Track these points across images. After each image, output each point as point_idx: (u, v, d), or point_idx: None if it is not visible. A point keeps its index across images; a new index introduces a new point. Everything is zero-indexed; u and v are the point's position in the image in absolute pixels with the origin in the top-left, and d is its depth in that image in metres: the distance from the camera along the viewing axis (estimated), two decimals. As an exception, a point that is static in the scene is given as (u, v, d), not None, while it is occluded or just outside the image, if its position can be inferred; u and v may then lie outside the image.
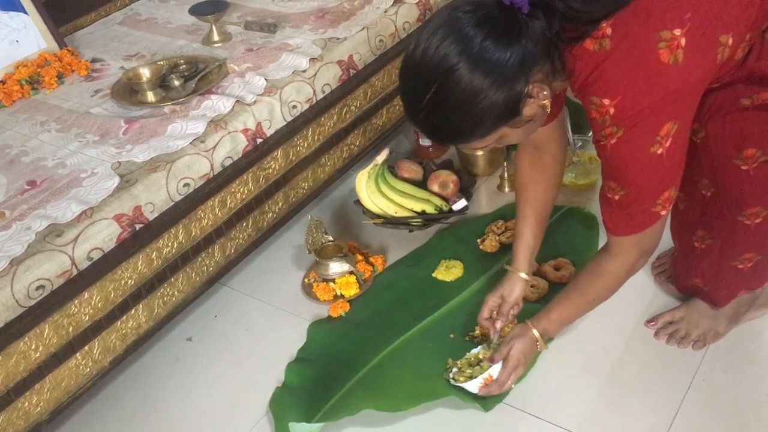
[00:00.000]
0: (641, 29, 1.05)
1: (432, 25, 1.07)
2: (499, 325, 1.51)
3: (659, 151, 1.12)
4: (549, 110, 1.13)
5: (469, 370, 1.45)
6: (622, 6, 1.05)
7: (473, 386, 1.41)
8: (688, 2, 1.05)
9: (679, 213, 1.44)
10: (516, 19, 1.03)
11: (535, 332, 1.40)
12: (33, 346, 1.26)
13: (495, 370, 1.40)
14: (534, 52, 1.04)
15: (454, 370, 1.47)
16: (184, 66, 1.78)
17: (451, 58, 1.03)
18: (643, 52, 1.05)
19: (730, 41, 1.07)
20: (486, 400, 1.43)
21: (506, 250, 1.77)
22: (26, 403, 1.28)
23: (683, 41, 1.04)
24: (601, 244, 1.75)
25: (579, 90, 1.13)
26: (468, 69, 1.02)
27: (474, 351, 1.50)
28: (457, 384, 1.43)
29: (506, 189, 2.03)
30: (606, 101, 1.08)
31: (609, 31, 1.06)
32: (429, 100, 1.06)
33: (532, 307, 1.62)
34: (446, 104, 1.06)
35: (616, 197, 1.20)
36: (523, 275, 1.51)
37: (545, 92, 1.09)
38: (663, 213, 1.20)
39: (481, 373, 1.41)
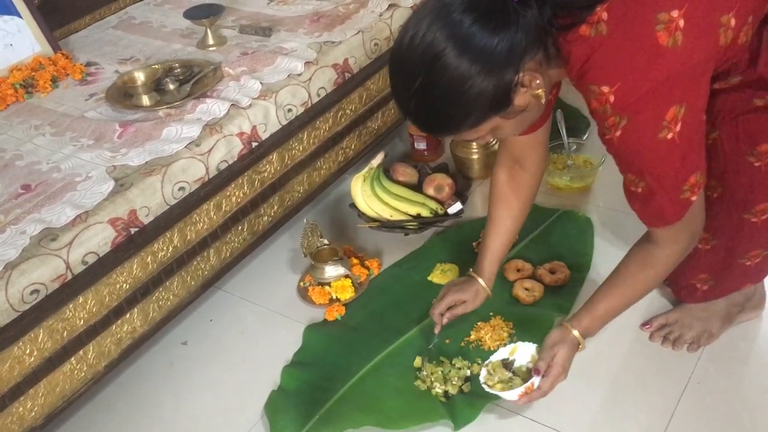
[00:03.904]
0: (638, 12, 1.02)
1: (421, 11, 1.05)
2: (445, 321, 1.52)
3: (669, 136, 1.07)
4: (544, 100, 1.09)
5: (499, 375, 1.38)
6: None
7: (513, 395, 1.33)
8: None
9: None
10: (505, 6, 1.00)
11: (576, 333, 1.34)
12: (27, 351, 1.26)
13: (537, 379, 1.33)
14: (524, 39, 1.01)
15: (483, 372, 1.40)
16: (179, 70, 1.78)
17: (438, 44, 1.00)
18: (641, 35, 1.02)
19: (733, 22, 1.04)
20: (458, 420, 1.40)
21: (501, 253, 1.78)
22: (20, 408, 1.27)
23: (681, 23, 1.00)
24: (597, 247, 1.77)
25: (576, 79, 1.10)
26: (455, 54, 1.00)
27: (496, 357, 1.42)
28: (492, 391, 1.36)
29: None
30: (605, 88, 1.05)
31: (605, 15, 1.03)
32: (417, 88, 1.04)
33: (526, 310, 1.62)
34: (434, 92, 1.03)
35: (639, 190, 1.16)
36: (484, 284, 1.54)
37: (538, 81, 1.06)
38: (694, 198, 1.15)
39: (509, 380, 1.36)
